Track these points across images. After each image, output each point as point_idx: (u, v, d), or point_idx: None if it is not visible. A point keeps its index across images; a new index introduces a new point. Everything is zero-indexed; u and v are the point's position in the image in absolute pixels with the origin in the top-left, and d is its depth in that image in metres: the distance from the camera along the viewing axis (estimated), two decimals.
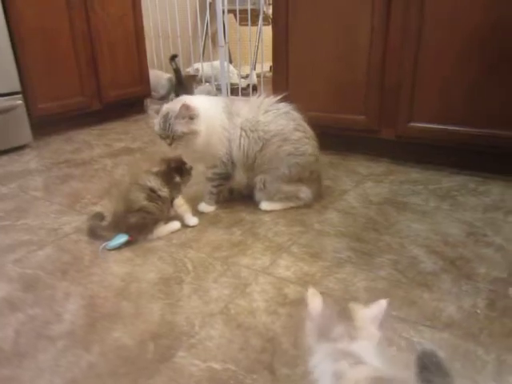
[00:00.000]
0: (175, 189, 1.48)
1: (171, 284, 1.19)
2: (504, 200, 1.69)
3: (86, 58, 2.82)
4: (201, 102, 1.53)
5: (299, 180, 1.59)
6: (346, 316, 0.68)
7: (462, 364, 0.89)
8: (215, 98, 1.70)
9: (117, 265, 1.29)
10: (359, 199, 1.73)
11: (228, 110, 1.56)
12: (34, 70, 2.54)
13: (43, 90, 2.60)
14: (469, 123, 1.84)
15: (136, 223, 1.38)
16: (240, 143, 1.54)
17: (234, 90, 3.76)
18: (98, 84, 2.92)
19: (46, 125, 2.69)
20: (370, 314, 0.69)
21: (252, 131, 1.54)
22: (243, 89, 3.86)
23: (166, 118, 1.45)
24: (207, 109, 1.52)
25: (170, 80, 3.56)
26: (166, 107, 1.49)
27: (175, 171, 1.48)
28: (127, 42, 3.08)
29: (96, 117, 3.00)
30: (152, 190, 1.39)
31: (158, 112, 1.49)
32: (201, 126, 1.47)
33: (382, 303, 0.70)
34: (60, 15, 2.63)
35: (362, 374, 0.60)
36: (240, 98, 1.68)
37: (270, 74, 2.40)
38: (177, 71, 3.35)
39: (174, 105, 1.47)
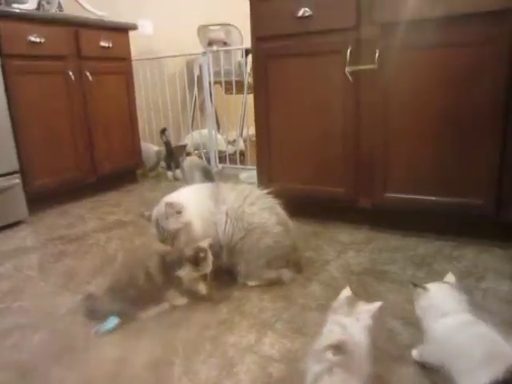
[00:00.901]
0: (171, 282, 1.52)
1: (162, 367, 1.25)
2: (476, 265, 1.79)
3: (83, 135, 2.99)
4: (183, 195, 1.67)
5: (278, 267, 1.70)
6: (353, 305, 1.09)
7: None
8: (200, 186, 1.82)
9: (110, 348, 1.35)
10: (341, 270, 1.82)
11: (214, 198, 1.68)
12: (32, 148, 2.69)
13: (40, 168, 2.74)
14: (435, 193, 1.99)
15: (132, 297, 1.46)
16: (225, 228, 1.65)
17: (222, 158, 3.95)
18: (93, 159, 3.08)
19: (40, 199, 2.80)
20: (367, 307, 1.09)
21: (237, 220, 1.65)
22: (231, 155, 4.06)
23: (157, 223, 1.59)
24: (192, 199, 1.66)
25: (158, 153, 3.76)
26: (155, 213, 1.62)
27: (189, 261, 1.50)
28: (121, 119, 3.28)
29: (90, 189, 3.12)
30: (149, 272, 1.48)
31: (149, 219, 1.63)
32: (190, 216, 1.59)
33: (377, 304, 1.10)
34: (59, 98, 2.82)
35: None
36: (227, 185, 1.79)
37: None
38: (167, 144, 3.53)
39: (160, 208, 1.61)
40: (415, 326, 1.38)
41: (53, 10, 2.92)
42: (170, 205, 1.56)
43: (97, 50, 3.01)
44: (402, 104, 1.99)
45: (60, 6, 3.04)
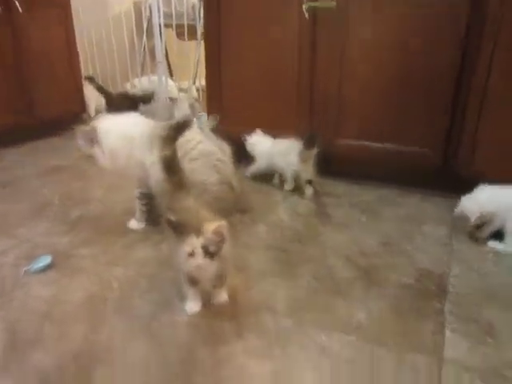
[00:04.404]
0: None
1: (96, 303, 1.20)
2: (418, 212, 1.83)
3: (15, 76, 2.73)
4: (120, 124, 1.53)
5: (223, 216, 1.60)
6: None
7: (365, 362, 0.97)
8: (150, 122, 1.62)
9: (41, 287, 1.28)
10: (288, 212, 1.81)
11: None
12: None
13: None
14: (386, 141, 1.99)
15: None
16: (158, 180, 1.49)
17: None
18: (30, 101, 2.84)
19: None
20: None
21: None
22: None
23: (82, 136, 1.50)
24: (124, 136, 1.51)
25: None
26: (85, 129, 1.51)
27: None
28: (60, 58, 3.02)
29: (28, 134, 2.91)
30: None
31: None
32: (102, 151, 1.49)
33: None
34: None
35: None
36: None
37: None
38: (102, 90, 3.19)
39: (93, 123, 1.51)
40: (355, 263, 1.41)
41: None
42: (91, 130, 1.48)
43: None
44: (359, 50, 1.93)
45: None
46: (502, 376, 0.94)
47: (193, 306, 1.16)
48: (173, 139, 1.19)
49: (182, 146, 1.51)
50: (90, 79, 3.26)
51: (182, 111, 2.90)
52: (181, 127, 1.22)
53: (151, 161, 1.50)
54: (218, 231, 1.04)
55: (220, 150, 1.69)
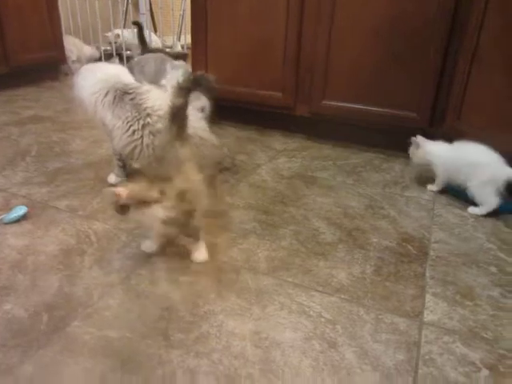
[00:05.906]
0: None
1: (72, 255, 1.16)
2: (403, 176, 1.83)
3: None
4: (92, 80, 1.42)
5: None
6: None
7: (344, 323, 0.97)
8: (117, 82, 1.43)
9: (15, 237, 1.23)
10: (271, 173, 1.78)
11: (122, 102, 1.39)
12: None
13: None
14: (374, 103, 1.96)
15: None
16: (119, 143, 1.41)
17: None
18: (4, 46, 2.70)
19: None
20: None
21: (135, 146, 1.39)
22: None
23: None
24: (92, 91, 1.41)
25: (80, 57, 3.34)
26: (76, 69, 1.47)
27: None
28: (38, 5, 2.86)
29: (3, 82, 2.78)
30: None
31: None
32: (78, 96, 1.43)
33: None
34: None
35: None
36: (153, 92, 1.42)
37: None
38: (143, 41, 2.82)
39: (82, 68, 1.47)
40: (338, 225, 1.40)
41: None
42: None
43: None
44: (349, 7, 1.86)
45: None
46: (482, 338, 0.95)
47: (149, 244, 1.20)
48: (186, 91, 1.14)
49: (144, 116, 1.38)
50: (138, 25, 2.97)
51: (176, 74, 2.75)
52: (198, 82, 1.16)
53: (113, 124, 1.40)
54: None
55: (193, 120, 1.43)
